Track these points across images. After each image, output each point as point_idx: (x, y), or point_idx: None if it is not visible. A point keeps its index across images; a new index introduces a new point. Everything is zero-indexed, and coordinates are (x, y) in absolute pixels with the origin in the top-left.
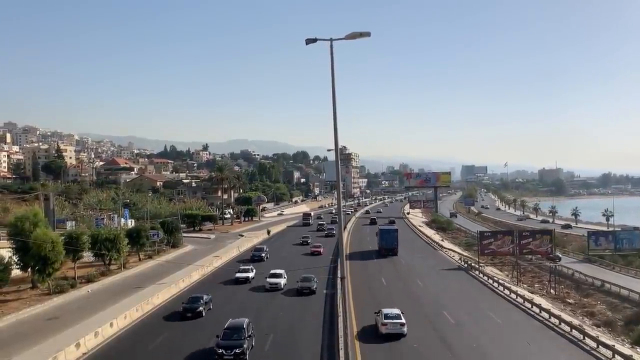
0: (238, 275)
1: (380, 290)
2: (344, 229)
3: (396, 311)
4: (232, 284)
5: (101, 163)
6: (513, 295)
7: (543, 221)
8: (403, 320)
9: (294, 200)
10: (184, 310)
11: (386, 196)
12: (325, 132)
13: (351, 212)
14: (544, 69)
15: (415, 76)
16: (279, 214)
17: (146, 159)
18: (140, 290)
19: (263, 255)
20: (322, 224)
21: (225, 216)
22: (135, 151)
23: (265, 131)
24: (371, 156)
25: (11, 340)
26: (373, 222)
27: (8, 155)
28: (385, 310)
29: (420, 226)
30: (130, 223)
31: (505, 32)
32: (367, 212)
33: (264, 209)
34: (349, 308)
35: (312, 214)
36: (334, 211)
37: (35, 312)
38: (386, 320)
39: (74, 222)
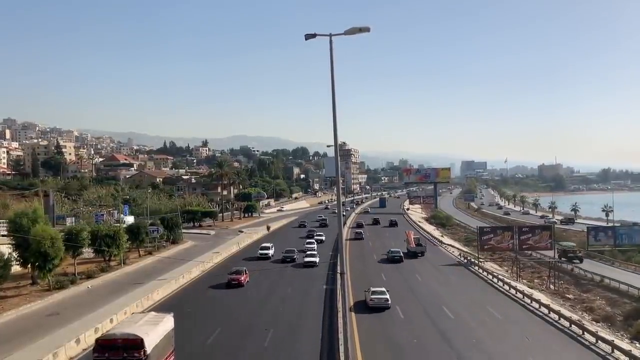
0: None
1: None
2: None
3: None
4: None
5: (101, 159)
6: (512, 291)
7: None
8: None
9: (293, 196)
10: None
11: (385, 192)
12: (326, 128)
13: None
14: (544, 65)
15: (415, 73)
16: (279, 210)
17: (146, 155)
18: (140, 286)
19: None
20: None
21: (225, 212)
22: (135, 147)
23: (265, 127)
24: (371, 152)
25: (11, 336)
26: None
27: (7, 152)
28: None
29: (419, 222)
30: (130, 219)
31: (504, 29)
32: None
33: (267, 204)
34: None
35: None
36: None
37: (35, 308)
38: None
39: (73, 218)
